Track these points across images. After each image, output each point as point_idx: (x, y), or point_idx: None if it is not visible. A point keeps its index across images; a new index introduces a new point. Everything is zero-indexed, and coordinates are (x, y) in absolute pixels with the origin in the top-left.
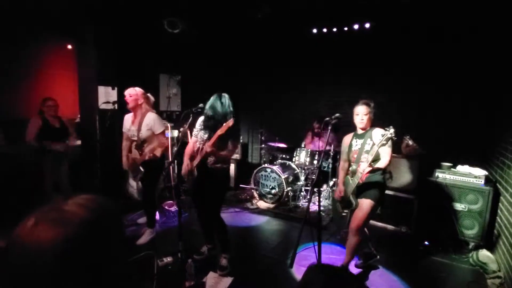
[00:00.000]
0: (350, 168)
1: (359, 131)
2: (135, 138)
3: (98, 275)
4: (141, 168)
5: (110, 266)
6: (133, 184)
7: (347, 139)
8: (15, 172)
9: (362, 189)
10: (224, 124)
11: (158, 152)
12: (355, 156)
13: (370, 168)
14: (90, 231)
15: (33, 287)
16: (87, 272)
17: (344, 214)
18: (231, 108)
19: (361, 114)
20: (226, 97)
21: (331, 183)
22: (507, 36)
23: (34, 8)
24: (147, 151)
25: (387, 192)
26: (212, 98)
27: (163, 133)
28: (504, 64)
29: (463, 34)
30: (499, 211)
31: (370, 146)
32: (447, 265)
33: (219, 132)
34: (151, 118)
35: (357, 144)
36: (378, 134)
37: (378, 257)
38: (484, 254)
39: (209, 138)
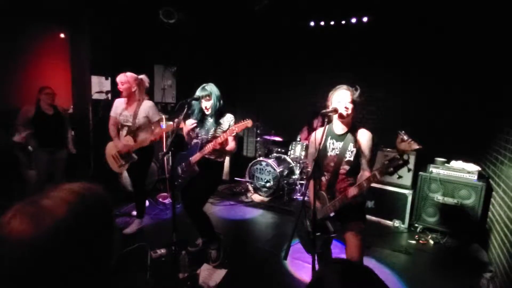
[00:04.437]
0: (325, 179)
1: (337, 129)
2: (129, 124)
3: (80, 271)
4: (134, 156)
5: (92, 262)
6: (127, 175)
7: (318, 135)
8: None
9: (341, 210)
10: (241, 124)
11: (146, 141)
12: (332, 165)
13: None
14: (68, 228)
15: (8, 281)
16: (67, 268)
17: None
18: (220, 101)
19: (344, 101)
20: (211, 86)
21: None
22: (505, 35)
23: None
24: (141, 139)
25: (382, 187)
26: (197, 93)
27: (159, 121)
28: (502, 63)
29: (461, 28)
30: (491, 206)
31: (353, 155)
32: (441, 259)
33: (237, 129)
34: (148, 105)
35: (334, 147)
36: (364, 137)
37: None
38: None
39: (212, 135)
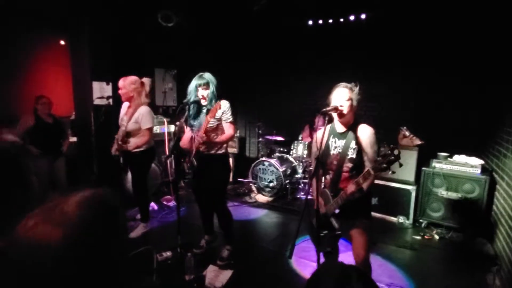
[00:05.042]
0: (329, 178)
1: (338, 127)
2: (123, 128)
3: (100, 272)
4: (121, 159)
5: (111, 263)
6: (130, 180)
7: (320, 135)
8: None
9: (346, 207)
10: (211, 109)
11: (130, 147)
12: (335, 163)
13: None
14: (90, 230)
15: (35, 286)
16: (89, 269)
17: (321, 234)
18: (218, 90)
19: (340, 99)
20: (209, 75)
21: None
22: (505, 28)
23: (27, 2)
24: (127, 144)
25: (385, 183)
26: (194, 82)
27: (150, 129)
28: (504, 53)
29: (460, 22)
30: (495, 199)
31: (356, 152)
32: (447, 254)
33: (208, 118)
34: (140, 112)
35: (336, 145)
36: (365, 133)
37: None
38: None
39: (200, 125)
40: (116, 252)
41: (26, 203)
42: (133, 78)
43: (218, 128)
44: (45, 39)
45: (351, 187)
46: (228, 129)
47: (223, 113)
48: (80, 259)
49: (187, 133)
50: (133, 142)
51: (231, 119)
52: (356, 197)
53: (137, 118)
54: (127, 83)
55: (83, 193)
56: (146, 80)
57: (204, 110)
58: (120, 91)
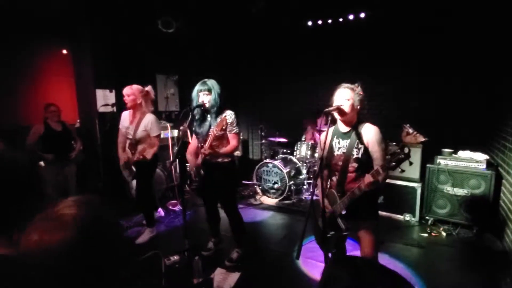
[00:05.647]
0: (335, 179)
1: (342, 127)
2: (130, 137)
3: (102, 271)
4: (133, 168)
5: (113, 261)
6: (135, 185)
7: (323, 136)
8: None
9: (353, 207)
10: (218, 122)
11: (148, 154)
12: (340, 163)
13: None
14: (89, 227)
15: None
16: (92, 270)
17: (328, 235)
18: (221, 98)
19: (341, 99)
20: (212, 82)
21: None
22: (506, 19)
23: (29, 12)
24: (138, 151)
25: (390, 181)
26: (197, 87)
27: (158, 136)
28: (503, 47)
29: (460, 17)
30: (502, 194)
31: (361, 152)
32: (454, 250)
33: (215, 132)
34: (148, 119)
35: (340, 146)
36: (370, 132)
37: None
38: None
39: (206, 135)
40: (103, 256)
41: (39, 211)
42: (139, 86)
43: (223, 138)
44: (48, 49)
45: (362, 185)
46: (232, 140)
47: (229, 124)
48: (87, 257)
49: (193, 142)
50: (147, 151)
51: (235, 130)
52: (361, 191)
53: (146, 126)
54: (135, 90)
55: (71, 198)
56: (149, 88)
57: (209, 119)
58: (126, 98)
